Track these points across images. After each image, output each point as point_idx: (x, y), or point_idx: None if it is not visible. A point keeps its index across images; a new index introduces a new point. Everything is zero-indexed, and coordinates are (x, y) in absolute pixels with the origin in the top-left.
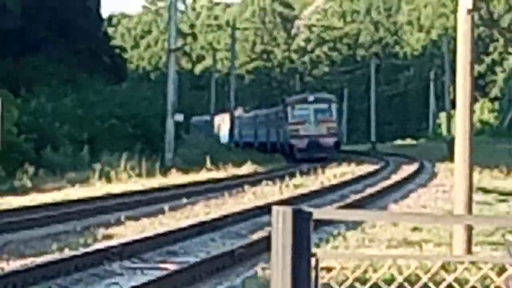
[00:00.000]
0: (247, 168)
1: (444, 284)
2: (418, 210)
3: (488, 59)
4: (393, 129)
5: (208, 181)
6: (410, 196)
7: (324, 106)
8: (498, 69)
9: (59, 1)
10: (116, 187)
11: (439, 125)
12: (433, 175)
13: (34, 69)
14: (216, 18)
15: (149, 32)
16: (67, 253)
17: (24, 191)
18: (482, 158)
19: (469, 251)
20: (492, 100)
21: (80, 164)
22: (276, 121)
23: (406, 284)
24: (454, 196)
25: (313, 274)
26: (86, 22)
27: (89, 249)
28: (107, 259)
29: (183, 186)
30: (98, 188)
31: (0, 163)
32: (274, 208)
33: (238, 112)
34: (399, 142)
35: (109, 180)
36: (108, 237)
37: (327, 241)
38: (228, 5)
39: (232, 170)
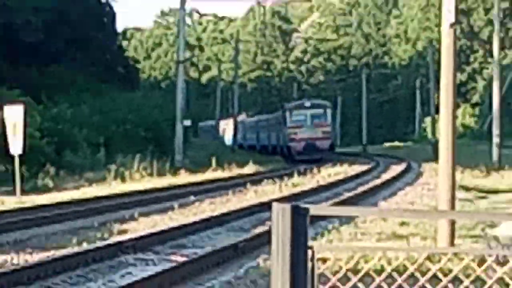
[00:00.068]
0: (249, 168)
1: (430, 274)
2: (405, 206)
3: (469, 69)
4: (382, 132)
5: (214, 180)
6: (398, 193)
7: (319, 111)
8: (478, 77)
9: (78, 16)
10: (129, 186)
11: (425, 129)
12: (419, 174)
13: (55, 78)
14: (221, 31)
15: (160, 44)
16: (85, 246)
17: (46, 190)
18: (463, 159)
19: (452, 243)
20: (473, 105)
21: (97, 165)
22: (276, 125)
23: (394, 274)
24: (438, 193)
25: (309, 265)
26: (102, 36)
27: (105, 243)
28: (122, 251)
29: (191, 185)
30: (113, 187)
31: (24, 164)
32: (274, 205)
33: (242, 117)
34: (388, 144)
35: (123, 179)
36: (123, 231)
37: (323, 235)
38: (231, 20)
39: (235, 170)
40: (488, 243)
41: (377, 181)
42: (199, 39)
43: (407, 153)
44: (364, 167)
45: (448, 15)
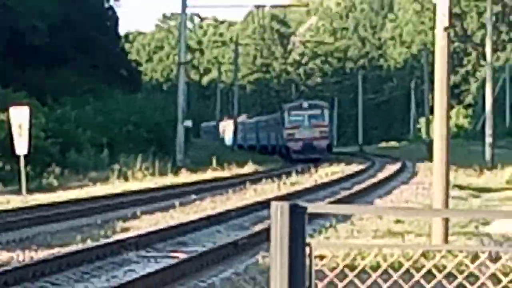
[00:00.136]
0: (249, 167)
1: (424, 270)
2: (400, 205)
3: (462, 71)
4: (378, 132)
5: (214, 180)
6: (394, 192)
7: (317, 112)
8: (471, 79)
9: (82, 20)
10: (132, 185)
11: (419, 129)
12: (414, 173)
13: (60, 81)
14: (221, 35)
15: (161, 47)
16: (89, 243)
17: (51, 189)
18: (457, 158)
19: (446, 240)
20: (466, 107)
21: (101, 165)
22: (275, 126)
23: (390, 270)
24: (432, 192)
25: (307, 261)
26: (105, 39)
27: (108, 240)
28: (124, 249)
29: (192, 184)
30: (116, 186)
31: (29, 164)
32: (273, 203)
33: (243, 118)
34: (383, 144)
35: (126, 179)
36: (126, 229)
37: (320, 232)
38: (231, 24)
39: (235, 170)
40: (481, 240)
41: (373, 180)
42: (199, 42)
43: (402, 153)
44: (360, 167)
45: (442, 18)
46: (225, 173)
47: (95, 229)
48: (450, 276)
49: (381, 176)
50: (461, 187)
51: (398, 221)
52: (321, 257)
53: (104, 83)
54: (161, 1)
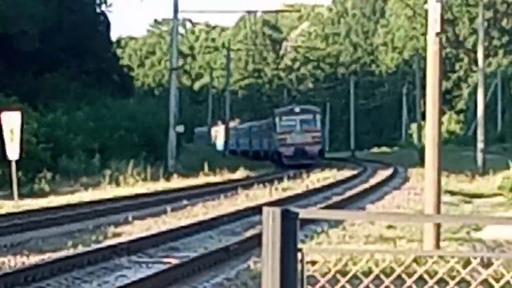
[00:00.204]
0: (240, 173)
1: (416, 275)
2: (392, 210)
3: (454, 76)
4: (370, 138)
5: (206, 185)
6: (386, 197)
7: (309, 116)
8: (463, 85)
9: (73, 25)
10: (124, 190)
11: (411, 135)
12: (406, 179)
13: (51, 86)
14: (213, 40)
15: (153, 53)
16: (81, 249)
17: (42, 194)
18: (449, 164)
19: (438, 246)
20: (458, 112)
21: (92, 170)
22: (267, 131)
23: (382, 275)
24: (424, 197)
25: (299, 267)
26: (97, 44)
27: (100, 246)
28: (116, 254)
29: (184, 189)
30: (108, 191)
31: (21, 169)
32: (265, 209)
33: (235, 123)
34: (375, 150)
35: (117, 184)
36: (117, 234)
37: (312, 238)
38: (223, 29)
39: (227, 175)
40: (473, 246)
41: (365, 186)
42: (191, 47)
43: (394, 158)
44: (352, 172)
45: (434, 24)
46: (217, 179)
47: (87, 234)
48: (442, 282)
49: (373, 181)
50: (452, 193)
51: (390, 227)
52: (313, 263)
53: (95, 88)
54: (152, 6)
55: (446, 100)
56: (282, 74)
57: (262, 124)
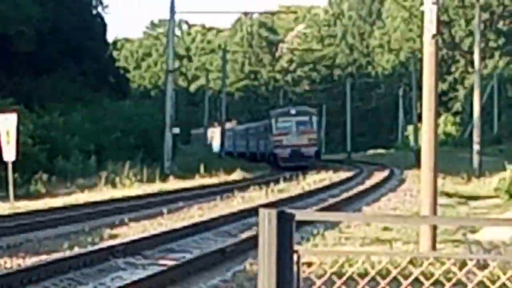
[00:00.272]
0: (237, 175)
1: (412, 277)
2: (388, 212)
3: (450, 78)
4: (366, 140)
5: (202, 187)
6: (382, 199)
7: (305, 118)
8: (459, 87)
9: (70, 27)
10: (120, 192)
11: (407, 137)
12: (402, 181)
13: (47, 87)
14: (209, 42)
15: (149, 55)
16: (77, 250)
17: (38, 196)
18: (445, 165)
19: (434, 248)
20: (454, 114)
21: (88, 171)
22: (263, 133)
23: (378, 277)
24: (420, 199)
25: (295, 268)
26: (93, 46)
27: (96, 247)
28: (112, 256)
29: (180, 191)
30: (104, 193)
31: (17, 171)
32: (261, 211)
33: (232, 124)
34: (371, 151)
35: (114, 185)
36: (113, 236)
37: (308, 240)
38: (219, 31)
39: (223, 177)
40: (469, 248)
41: (361, 187)
42: (188, 49)
43: (390, 160)
44: (348, 174)
45: (430, 26)
46: (213, 180)
47: (83, 236)
48: (437, 284)
49: (369, 183)
50: (449, 195)
51: (386, 228)
52: (309, 264)
53: (92, 90)
54: (149, 8)
55: (442, 102)
56: (278, 76)
57: (259, 126)
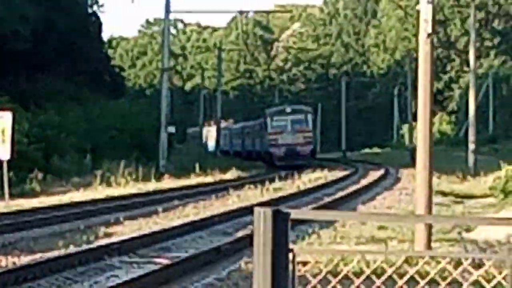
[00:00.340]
0: (232, 173)
1: (407, 276)
2: (384, 211)
3: (445, 77)
4: (361, 139)
5: (197, 185)
6: (377, 198)
7: (300, 116)
8: (454, 86)
9: (65, 26)
10: (115, 191)
11: (402, 136)
12: (397, 179)
13: (43, 86)
14: (204, 41)
15: (145, 53)
16: (72, 249)
17: (33, 194)
18: (440, 164)
19: (429, 247)
20: (450, 113)
21: (84, 170)
22: (259, 131)
23: (373, 276)
24: (415, 198)
25: (290, 267)
26: (89, 45)
27: (91, 246)
28: (107, 254)
29: (175, 189)
30: (99, 191)
31: (12, 169)
32: (256, 209)
33: (228, 123)
34: (366, 150)
35: (109, 184)
36: (108, 235)
37: (303, 238)
38: (215, 29)
39: (218, 176)
40: (465, 247)
41: (356, 186)
42: (183, 48)
43: (385, 159)
44: (344, 173)
45: (426, 25)
46: (208, 179)
47: (78, 234)
48: (433, 283)
49: (364, 182)
50: (444, 193)
51: (381, 227)
52: (304, 263)
53: (87, 89)
54: (144, 6)
55: (438, 101)
56: (273, 74)
57: (255, 125)
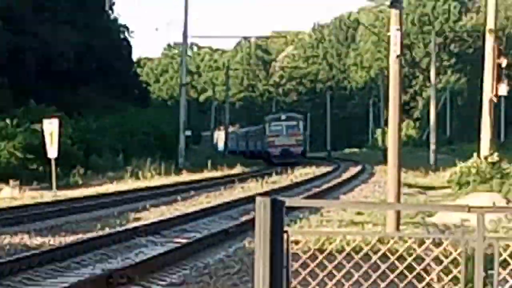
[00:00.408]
0: (237, 169)
1: (380, 253)
2: (361, 199)
3: (411, 91)
4: (343, 141)
5: (209, 179)
6: (355, 189)
7: (293, 123)
8: (419, 98)
9: (101, 48)
10: (143, 183)
11: (376, 138)
12: (372, 174)
13: (83, 98)
14: (215, 61)
15: (166, 71)
16: (107, 231)
17: (76, 186)
18: (407, 162)
19: (398, 229)
20: (415, 120)
21: (117, 166)
22: (259, 135)
23: (352, 253)
24: (387, 189)
25: (285, 246)
26: (121, 64)
27: (123, 228)
28: (136, 235)
29: (191, 182)
30: (129, 184)
31: (59, 166)
32: (257, 199)
33: (235, 128)
34: (347, 150)
35: (137, 178)
36: (137, 219)
37: (295, 222)
38: (223, 52)
39: (226, 171)
40: (427, 229)
41: (338, 180)
42: (197, 67)
43: (363, 157)
44: (328, 169)
45: (395, 48)
46: (218, 174)
47: (112, 219)
48: (401, 258)
49: (345, 176)
50: (410, 186)
51: (359, 213)
52: (296, 242)
53: (119, 100)
54: (166, 33)
55: (405, 110)
56: (271, 88)
57: (256, 129)
